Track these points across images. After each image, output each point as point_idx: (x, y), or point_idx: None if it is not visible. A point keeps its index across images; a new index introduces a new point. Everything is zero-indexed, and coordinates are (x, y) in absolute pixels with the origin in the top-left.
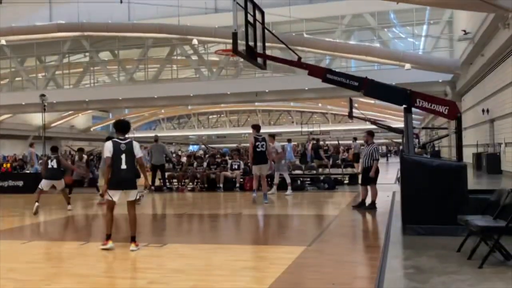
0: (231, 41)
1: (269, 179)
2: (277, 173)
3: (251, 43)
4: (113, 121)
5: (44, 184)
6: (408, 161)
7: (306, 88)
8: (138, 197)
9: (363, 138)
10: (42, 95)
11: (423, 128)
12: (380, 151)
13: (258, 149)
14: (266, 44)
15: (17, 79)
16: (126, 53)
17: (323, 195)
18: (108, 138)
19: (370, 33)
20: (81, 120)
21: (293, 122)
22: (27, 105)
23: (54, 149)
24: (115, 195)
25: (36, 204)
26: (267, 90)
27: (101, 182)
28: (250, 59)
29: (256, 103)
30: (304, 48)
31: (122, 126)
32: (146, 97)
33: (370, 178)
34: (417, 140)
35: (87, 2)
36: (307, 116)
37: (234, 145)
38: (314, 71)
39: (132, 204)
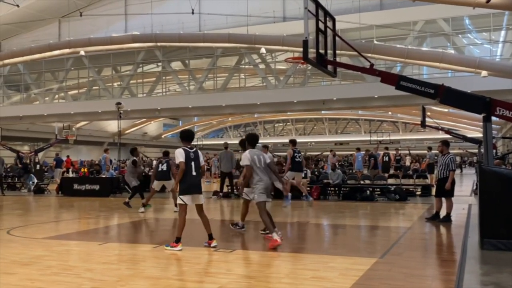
0: (298, 49)
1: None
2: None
3: (321, 51)
4: (183, 128)
5: (155, 184)
6: (487, 172)
7: (376, 96)
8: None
9: (437, 148)
10: (118, 103)
11: (502, 138)
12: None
13: (296, 159)
14: (336, 51)
15: (94, 88)
16: (196, 62)
17: (394, 206)
18: None
19: (444, 39)
20: (153, 127)
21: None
22: (103, 112)
23: (166, 153)
24: (188, 199)
25: (142, 209)
26: (334, 98)
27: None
28: (321, 67)
29: (323, 111)
30: (374, 55)
31: (188, 135)
32: (215, 105)
33: (445, 190)
34: (494, 151)
35: (160, 14)
36: (376, 125)
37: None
38: (387, 78)
39: (202, 207)
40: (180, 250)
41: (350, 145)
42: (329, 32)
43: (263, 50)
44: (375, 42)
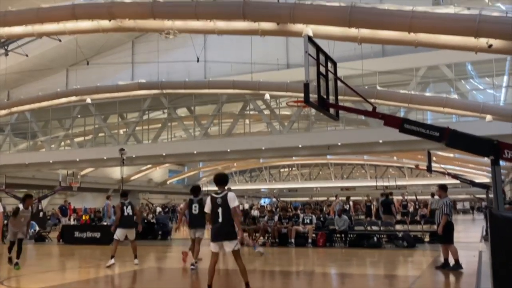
0: (302, 94)
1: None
2: None
3: (323, 95)
4: (188, 174)
5: (119, 233)
6: (498, 218)
7: (381, 141)
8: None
9: (436, 192)
10: (122, 149)
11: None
12: (463, 206)
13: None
14: (339, 97)
15: (100, 135)
16: (202, 109)
17: (402, 253)
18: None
19: (447, 85)
20: (158, 173)
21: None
22: (108, 159)
23: (125, 194)
24: (214, 247)
25: (112, 261)
26: (339, 143)
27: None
28: (323, 110)
29: (328, 156)
30: (377, 100)
31: (218, 179)
32: (220, 151)
33: (440, 236)
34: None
35: (166, 62)
36: (381, 170)
37: (306, 198)
38: (391, 121)
39: (236, 254)
40: None
41: (356, 190)
42: (331, 76)
43: (267, 96)
44: (378, 88)
